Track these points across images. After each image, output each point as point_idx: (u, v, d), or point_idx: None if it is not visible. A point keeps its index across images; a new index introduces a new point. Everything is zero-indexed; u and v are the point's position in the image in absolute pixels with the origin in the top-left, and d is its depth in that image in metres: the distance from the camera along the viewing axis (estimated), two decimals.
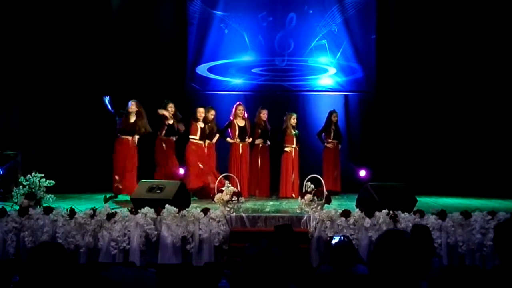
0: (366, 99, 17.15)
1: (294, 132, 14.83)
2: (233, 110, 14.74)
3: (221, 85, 17.24)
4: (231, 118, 14.67)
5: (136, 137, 13.88)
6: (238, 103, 14.94)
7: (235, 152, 14.66)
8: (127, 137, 13.81)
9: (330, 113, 15.52)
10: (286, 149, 14.82)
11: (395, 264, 3.46)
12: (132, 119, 13.84)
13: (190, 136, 14.31)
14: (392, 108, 16.61)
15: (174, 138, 14.47)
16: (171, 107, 14.35)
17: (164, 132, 14.29)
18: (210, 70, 17.23)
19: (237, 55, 17.22)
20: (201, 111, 14.40)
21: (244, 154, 14.72)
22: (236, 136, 14.62)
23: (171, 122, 14.33)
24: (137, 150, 13.98)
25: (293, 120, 14.88)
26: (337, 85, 17.23)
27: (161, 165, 14.30)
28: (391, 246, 3.53)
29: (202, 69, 17.20)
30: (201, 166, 14.22)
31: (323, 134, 15.49)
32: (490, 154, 15.92)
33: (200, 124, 14.36)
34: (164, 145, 14.31)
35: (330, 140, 15.40)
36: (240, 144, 14.67)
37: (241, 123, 14.71)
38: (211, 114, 14.50)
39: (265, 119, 14.91)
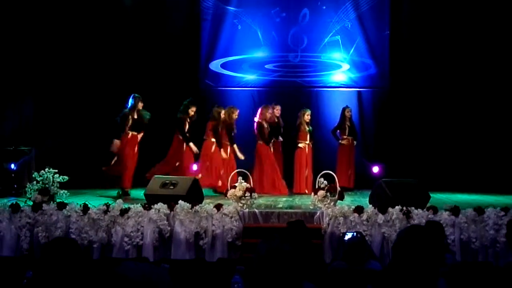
0: (380, 95, 17.15)
1: (308, 128, 14.84)
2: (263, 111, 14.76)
3: (234, 81, 17.27)
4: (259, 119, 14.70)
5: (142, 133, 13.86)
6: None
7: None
8: (134, 133, 13.73)
9: (344, 109, 15.53)
10: (300, 145, 14.81)
11: (418, 259, 3.47)
12: (136, 115, 13.76)
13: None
14: (405, 104, 16.58)
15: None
16: (193, 111, 14.29)
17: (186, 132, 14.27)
18: (223, 66, 17.24)
19: (250, 51, 17.24)
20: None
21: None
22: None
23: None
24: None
25: (307, 116, 14.86)
26: (350, 81, 17.23)
27: (170, 160, 14.29)
28: (415, 240, 3.53)
29: (215, 65, 17.23)
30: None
31: (338, 131, 15.49)
32: (504, 151, 15.86)
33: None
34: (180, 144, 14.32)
35: (345, 137, 15.39)
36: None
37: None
38: (235, 114, 14.53)
39: (278, 115, 14.91)
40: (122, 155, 13.57)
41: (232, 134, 14.43)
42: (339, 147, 15.50)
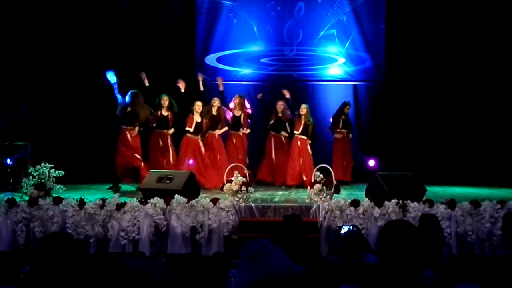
0: (375, 89, 17.11)
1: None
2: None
3: (230, 75, 17.20)
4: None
5: (137, 128, 13.76)
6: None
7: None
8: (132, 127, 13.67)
9: (344, 104, 15.47)
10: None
11: (398, 254, 3.46)
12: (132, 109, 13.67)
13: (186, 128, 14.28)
14: (401, 98, 16.56)
15: (169, 131, 14.26)
16: (164, 100, 14.18)
17: (155, 124, 14.16)
18: (219, 60, 17.21)
19: (245, 45, 17.20)
20: (198, 104, 14.35)
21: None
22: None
23: (165, 114, 14.20)
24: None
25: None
26: (346, 75, 17.20)
27: (153, 159, 14.11)
28: (394, 236, 3.52)
29: (211, 59, 17.19)
30: (190, 161, 14.10)
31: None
32: (500, 143, 15.87)
33: (196, 118, 14.29)
34: (158, 138, 14.21)
35: (338, 130, 15.38)
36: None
37: (237, 113, 14.83)
38: (216, 104, 14.50)
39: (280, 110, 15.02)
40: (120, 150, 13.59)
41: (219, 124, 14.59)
42: (334, 141, 15.50)
